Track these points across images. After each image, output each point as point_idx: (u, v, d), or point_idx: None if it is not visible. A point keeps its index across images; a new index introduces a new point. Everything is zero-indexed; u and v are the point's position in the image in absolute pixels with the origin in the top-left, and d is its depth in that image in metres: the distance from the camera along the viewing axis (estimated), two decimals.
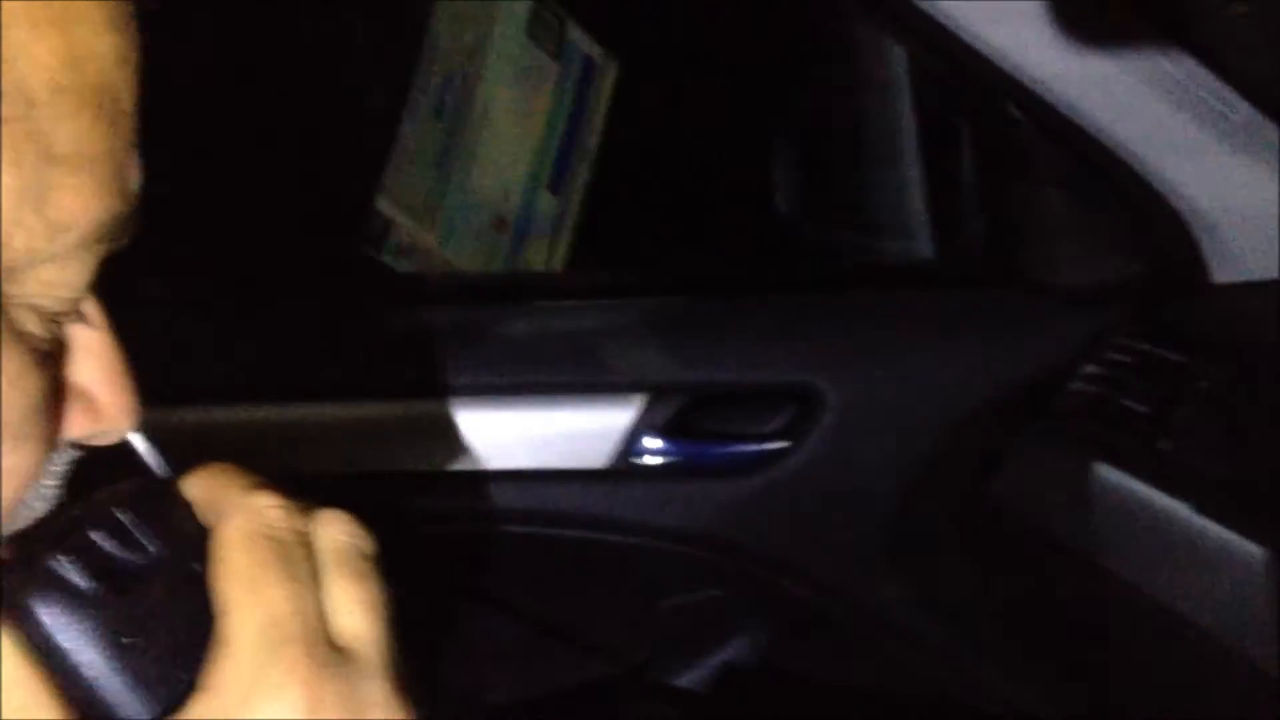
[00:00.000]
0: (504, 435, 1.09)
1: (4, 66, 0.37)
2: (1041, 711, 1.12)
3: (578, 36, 1.58)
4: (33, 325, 0.41)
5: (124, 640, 0.43)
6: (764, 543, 1.12)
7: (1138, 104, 0.96)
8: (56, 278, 0.40)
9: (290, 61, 1.53)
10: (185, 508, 0.47)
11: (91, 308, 0.44)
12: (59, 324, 0.42)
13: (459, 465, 1.09)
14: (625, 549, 1.11)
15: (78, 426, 0.44)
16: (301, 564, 0.44)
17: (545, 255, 1.58)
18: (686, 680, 1.17)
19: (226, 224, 1.39)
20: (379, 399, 1.11)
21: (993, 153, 1.12)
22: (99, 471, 0.47)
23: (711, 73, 1.57)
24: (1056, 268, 1.09)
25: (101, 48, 0.39)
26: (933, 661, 1.16)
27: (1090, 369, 1.04)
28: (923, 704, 1.18)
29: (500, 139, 1.56)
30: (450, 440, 1.08)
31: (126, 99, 0.41)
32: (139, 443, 0.51)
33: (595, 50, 1.59)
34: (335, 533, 0.46)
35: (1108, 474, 0.95)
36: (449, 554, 1.10)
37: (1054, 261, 1.09)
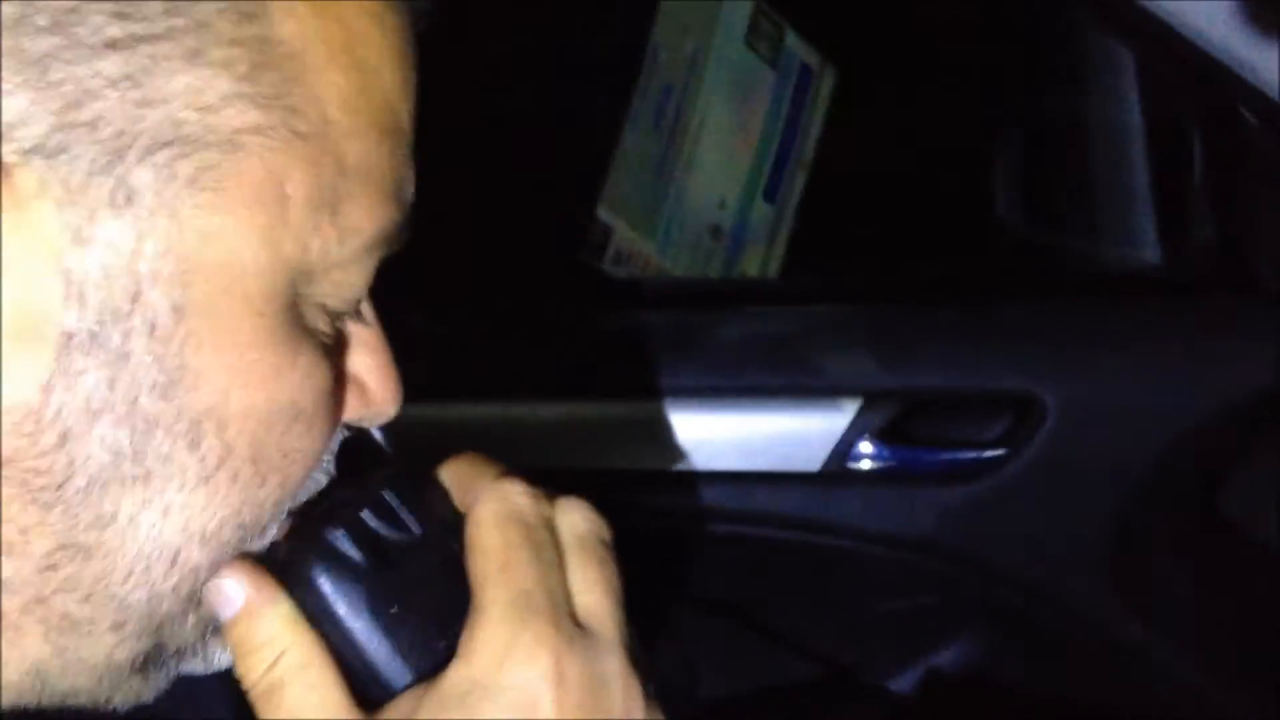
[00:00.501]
0: (718, 437, 1.11)
1: (304, 88, 0.41)
2: None
3: (795, 44, 1.59)
4: (322, 323, 0.45)
5: (390, 610, 0.46)
6: (980, 550, 1.11)
7: None
8: (344, 279, 0.44)
9: (517, 73, 1.59)
10: (442, 492, 0.50)
11: (367, 306, 0.48)
12: (341, 321, 0.47)
13: (673, 465, 1.11)
14: (838, 552, 1.11)
15: (351, 411, 0.48)
16: (548, 546, 0.47)
17: (761, 263, 1.60)
18: (898, 685, 1.17)
19: (455, 230, 1.45)
20: (598, 399, 1.14)
21: (1223, 157, 1.09)
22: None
23: (931, 77, 1.56)
24: None
25: (386, 70, 0.43)
26: (1151, 674, 1.13)
27: None
28: (1139, 717, 1.15)
29: (717, 148, 1.58)
30: (665, 440, 1.11)
31: (406, 117, 0.45)
32: (377, 434, 0.55)
33: (813, 58, 1.60)
34: (577, 519, 0.49)
35: None
36: (662, 550, 1.13)
37: None
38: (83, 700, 0.45)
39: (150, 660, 0.46)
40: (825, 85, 1.61)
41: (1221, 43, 0.91)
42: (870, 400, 1.09)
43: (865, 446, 1.09)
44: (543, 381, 1.15)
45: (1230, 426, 1.06)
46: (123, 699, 0.47)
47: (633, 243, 1.54)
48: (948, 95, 1.55)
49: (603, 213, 1.55)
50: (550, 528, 0.48)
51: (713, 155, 1.57)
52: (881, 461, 1.10)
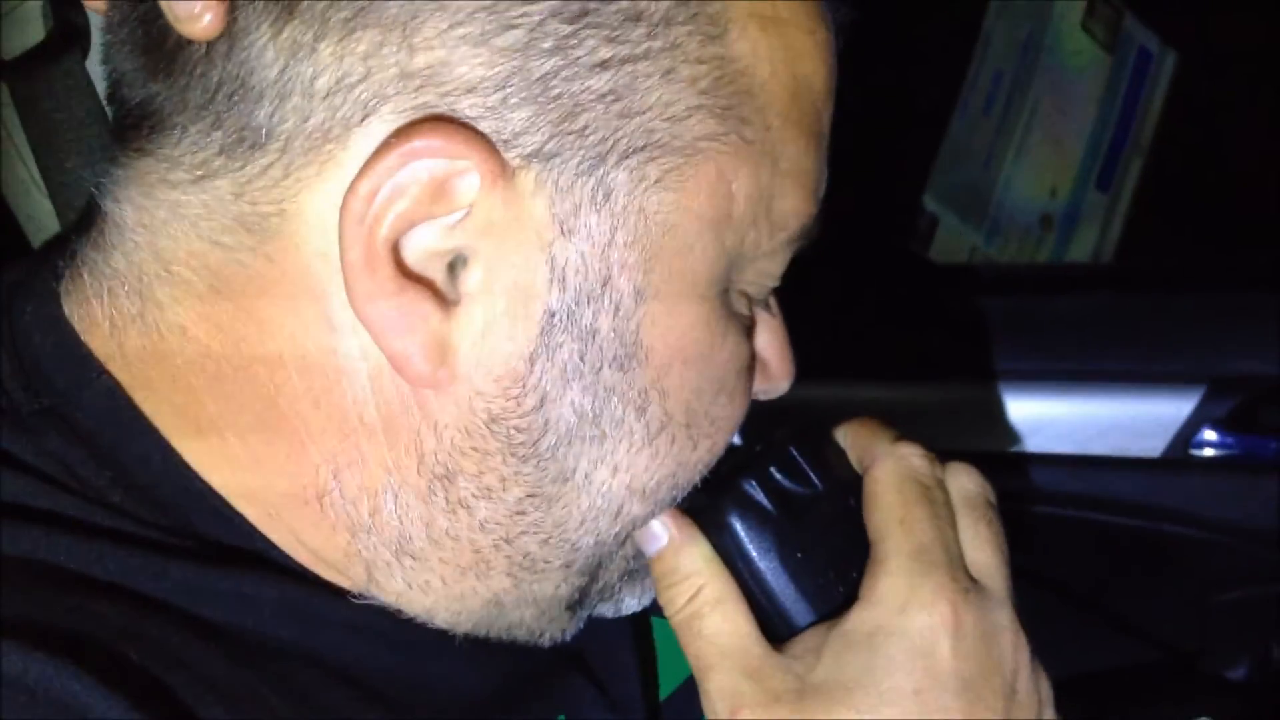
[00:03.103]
0: (1056, 420, 1.11)
1: (752, 100, 0.46)
2: None
3: (1134, 27, 1.55)
4: (743, 307, 0.51)
5: (796, 554, 0.52)
6: None
7: None
8: (765, 269, 0.50)
9: (845, 60, 1.61)
10: (839, 451, 0.56)
11: (771, 295, 0.54)
12: (753, 306, 0.52)
13: (1009, 447, 1.13)
14: (1179, 540, 1.10)
15: (755, 385, 0.53)
16: (942, 504, 0.52)
17: (1093, 253, 1.57)
18: (1236, 674, 1.15)
19: None
20: (935, 381, 1.17)
21: None
22: None
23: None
24: None
25: (817, 79, 0.48)
26: None
27: None
28: None
29: (1048, 136, 1.56)
30: (1001, 423, 1.12)
31: (827, 120, 0.49)
32: None
33: (1152, 42, 1.56)
34: (966, 481, 0.53)
35: None
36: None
37: None
38: (522, 633, 0.53)
39: (579, 598, 0.53)
40: (1165, 69, 1.57)
41: None
42: (1214, 387, 1.08)
43: (1208, 433, 1.08)
44: (873, 365, 1.18)
45: None
46: (551, 635, 0.54)
47: (959, 232, 1.55)
48: None
49: (929, 202, 1.56)
50: (943, 488, 0.53)
51: (1045, 143, 1.55)
52: (1226, 449, 1.08)
